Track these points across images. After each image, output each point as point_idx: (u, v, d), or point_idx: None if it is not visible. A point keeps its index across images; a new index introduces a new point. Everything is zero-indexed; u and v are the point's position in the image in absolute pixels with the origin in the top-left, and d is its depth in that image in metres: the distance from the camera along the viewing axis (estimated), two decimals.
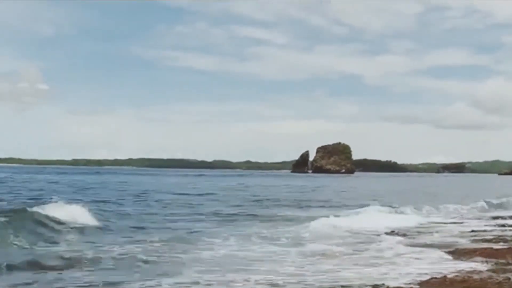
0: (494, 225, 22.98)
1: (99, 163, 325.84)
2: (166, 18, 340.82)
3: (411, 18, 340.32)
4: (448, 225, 23.33)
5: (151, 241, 16.45)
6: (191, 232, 19.22)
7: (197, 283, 10.90)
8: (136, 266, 12.64)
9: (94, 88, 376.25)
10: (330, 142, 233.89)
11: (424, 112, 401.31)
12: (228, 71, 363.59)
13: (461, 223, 24.31)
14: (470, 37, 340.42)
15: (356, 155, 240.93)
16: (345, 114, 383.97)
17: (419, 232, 20.33)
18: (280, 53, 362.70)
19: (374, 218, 23.76)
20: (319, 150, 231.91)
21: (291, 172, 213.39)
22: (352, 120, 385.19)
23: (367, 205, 30.33)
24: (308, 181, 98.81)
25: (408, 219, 24.84)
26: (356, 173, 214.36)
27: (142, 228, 20.31)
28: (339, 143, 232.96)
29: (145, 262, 13.12)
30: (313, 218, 22.60)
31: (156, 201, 35.26)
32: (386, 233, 19.63)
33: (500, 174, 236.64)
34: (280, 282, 11.05)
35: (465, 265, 12.95)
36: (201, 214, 26.66)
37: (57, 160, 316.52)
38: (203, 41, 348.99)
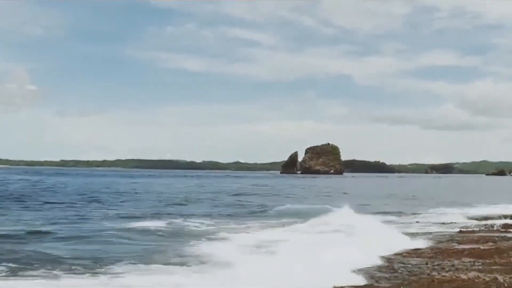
0: (482, 226, 23.18)
1: (88, 164, 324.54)
2: (156, 20, 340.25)
3: (400, 19, 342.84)
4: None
5: None
6: None
7: None
8: None
9: (83, 89, 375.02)
10: (320, 143, 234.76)
11: (413, 113, 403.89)
12: (218, 72, 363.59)
13: (450, 223, 24.53)
14: (459, 38, 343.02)
15: (345, 156, 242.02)
16: (335, 115, 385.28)
17: None
18: (270, 54, 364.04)
19: None
20: (308, 151, 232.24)
21: (280, 173, 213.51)
22: (341, 121, 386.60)
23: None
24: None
25: None
26: (345, 174, 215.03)
27: None
28: (328, 144, 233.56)
29: None
30: None
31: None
32: None
33: (487, 174, 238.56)
34: None
35: (453, 266, 13.10)
36: None
37: (45, 161, 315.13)
38: (193, 43, 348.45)
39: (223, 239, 17.30)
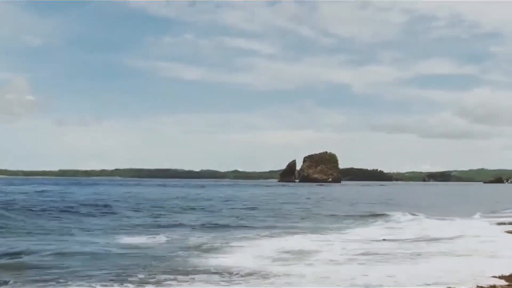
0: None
1: (87, 173, 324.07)
2: (154, 29, 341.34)
3: (397, 28, 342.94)
4: None
5: None
6: None
7: None
8: None
9: (82, 99, 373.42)
10: (318, 152, 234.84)
11: (411, 121, 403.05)
12: (216, 81, 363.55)
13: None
14: (457, 47, 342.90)
15: (343, 164, 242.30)
16: (333, 124, 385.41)
17: None
18: (268, 64, 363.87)
19: None
20: (306, 159, 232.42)
21: (279, 181, 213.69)
22: (339, 129, 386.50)
23: None
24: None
25: None
26: (343, 182, 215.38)
27: None
28: (326, 152, 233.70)
29: None
30: None
31: None
32: None
33: (485, 182, 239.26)
34: None
35: None
36: None
37: (44, 171, 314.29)
38: (191, 52, 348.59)
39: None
